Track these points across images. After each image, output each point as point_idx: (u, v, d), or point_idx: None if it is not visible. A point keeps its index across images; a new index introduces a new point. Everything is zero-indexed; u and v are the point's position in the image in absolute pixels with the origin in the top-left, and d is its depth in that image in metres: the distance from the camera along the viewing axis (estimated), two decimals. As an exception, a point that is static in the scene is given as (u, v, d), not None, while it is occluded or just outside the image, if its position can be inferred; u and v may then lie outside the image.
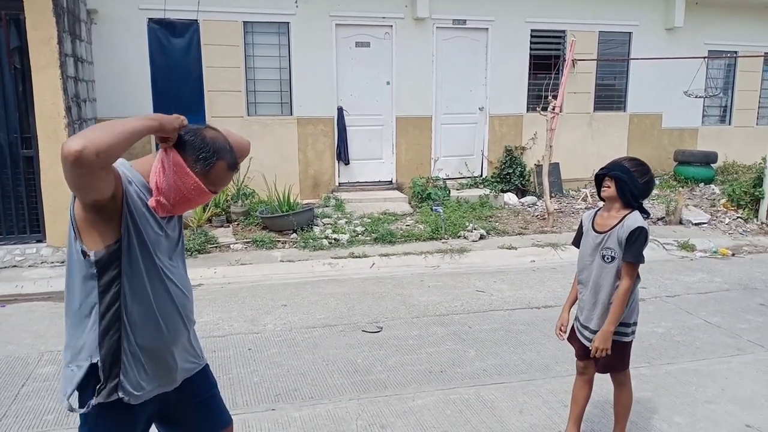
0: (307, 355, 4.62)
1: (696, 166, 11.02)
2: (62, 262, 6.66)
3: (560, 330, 3.29)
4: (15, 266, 6.57)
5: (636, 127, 11.34)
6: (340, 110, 9.65)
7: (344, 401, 3.93)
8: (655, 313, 5.56)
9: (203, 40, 8.93)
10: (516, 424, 3.67)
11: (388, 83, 9.88)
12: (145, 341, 2.01)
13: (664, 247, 7.70)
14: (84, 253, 1.91)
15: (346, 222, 8.35)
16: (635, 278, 3.05)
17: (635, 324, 3.17)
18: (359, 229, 8.00)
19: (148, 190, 1.97)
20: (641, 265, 3.03)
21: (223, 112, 9.11)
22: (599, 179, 3.11)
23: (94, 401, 1.98)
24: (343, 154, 9.74)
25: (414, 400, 3.96)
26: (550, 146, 8.58)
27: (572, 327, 3.34)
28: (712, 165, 11.14)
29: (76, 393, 1.99)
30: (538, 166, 10.01)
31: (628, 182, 2.99)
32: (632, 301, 3.11)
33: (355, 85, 9.73)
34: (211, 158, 1.95)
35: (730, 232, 8.45)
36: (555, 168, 10.15)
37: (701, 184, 10.86)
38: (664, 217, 8.90)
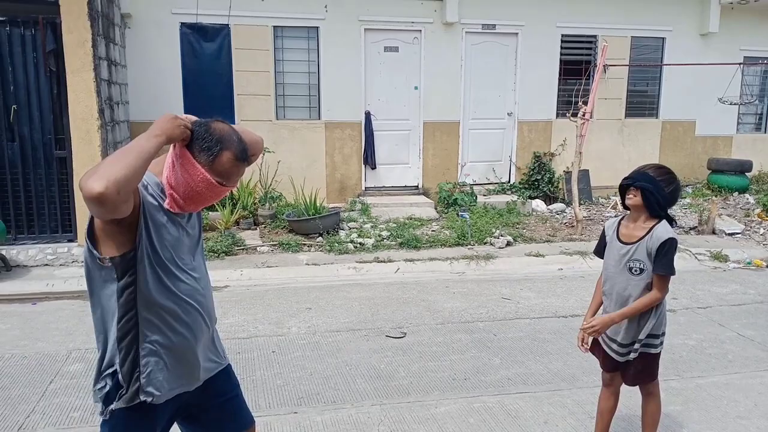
0: (330, 359, 4.62)
1: (730, 175, 10.77)
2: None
3: (582, 342, 3.19)
4: (47, 265, 6.70)
5: (668, 134, 11.13)
6: (368, 115, 9.66)
7: (366, 406, 3.91)
8: (687, 324, 5.43)
9: (234, 45, 9.03)
10: (540, 434, 3.61)
11: (416, 88, 9.86)
12: (166, 340, 2.02)
13: (696, 258, 7.53)
14: (101, 260, 1.91)
15: (372, 226, 8.35)
16: (664, 294, 2.98)
17: (663, 335, 3.10)
18: (384, 233, 7.99)
19: (162, 191, 1.97)
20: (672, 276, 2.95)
21: (253, 116, 9.19)
22: (623, 189, 3.03)
23: (114, 406, 2.00)
24: (369, 159, 9.75)
25: (437, 407, 3.92)
26: (580, 153, 8.46)
27: (594, 339, 3.24)
28: (746, 174, 10.87)
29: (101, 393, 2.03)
30: (567, 173, 9.88)
31: (654, 192, 2.90)
32: (660, 312, 3.04)
33: (383, 90, 9.74)
34: (214, 148, 1.91)
35: (764, 243, 8.23)
36: (584, 175, 10.02)
37: (735, 194, 10.60)
38: (696, 227, 8.71)
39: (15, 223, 6.80)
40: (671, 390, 4.18)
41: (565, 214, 9.54)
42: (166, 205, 1.96)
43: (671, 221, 3.01)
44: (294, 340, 4.98)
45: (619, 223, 3.12)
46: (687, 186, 11.17)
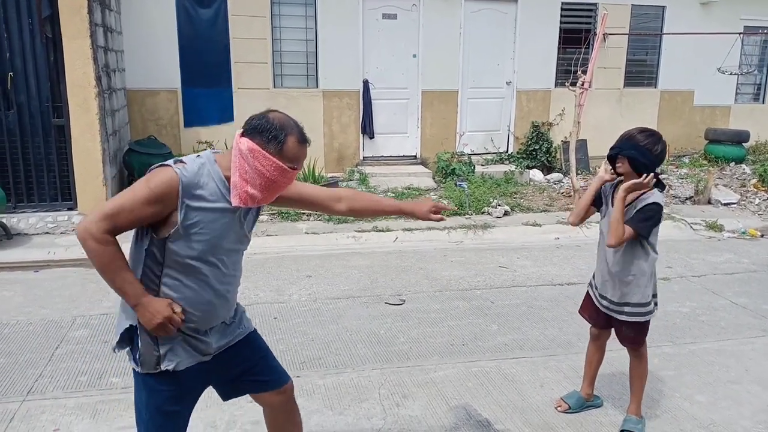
0: (331, 325, 4.70)
1: (727, 145, 10.79)
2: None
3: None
4: (47, 233, 6.73)
5: (667, 104, 11.12)
6: (366, 83, 9.62)
7: (367, 371, 4.00)
8: (681, 292, 5.53)
9: (230, 11, 8.92)
10: (537, 398, 3.71)
11: (414, 56, 9.80)
12: (187, 317, 2.16)
13: (691, 227, 7.60)
14: (147, 231, 2.08)
15: (371, 195, 8.37)
16: (646, 248, 3.11)
17: (655, 296, 3.21)
18: (383, 202, 8.01)
19: (226, 188, 2.09)
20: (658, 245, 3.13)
21: (250, 83, 9.14)
22: (612, 159, 3.13)
23: (140, 369, 2.16)
24: (367, 128, 9.73)
25: (436, 371, 4.01)
26: (578, 122, 8.46)
27: (586, 296, 3.48)
28: (743, 144, 10.90)
29: (123, 346, 2.22)
30: (565, 143, 9.90)
31: (639, 158, 3.00)
32: (650, 276, 3.16)
33: (381, 58, 9.67)
34: (280, 135, 2.02)
35: (759, 213, 8.31)
36: (582, 145, 10.03)
37: (732, 164, 10.65)
38: (692, 197, 8.77)
39: (15, 192, 6.80)
40: (664, 356, 4.28)
41: (562, 183, 9.58)
42: (236, 202, 2.07)
43: (660, 185, 3.10)
44: (295, 307, 5.05)
45: (614, 188, 3.20)
46: (684, 156, 11.20)
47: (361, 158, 9.87)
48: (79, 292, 5.32)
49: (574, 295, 5.40)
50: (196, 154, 2.13)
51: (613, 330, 3.38)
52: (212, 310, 2.22)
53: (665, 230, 7.47)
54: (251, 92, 9.15)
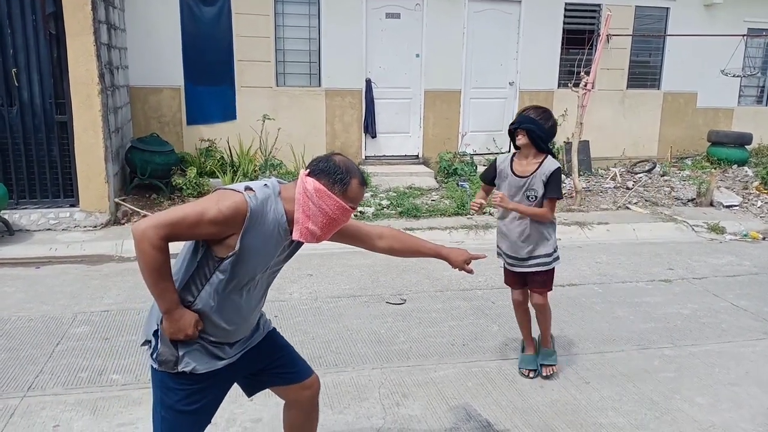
0: (331, 324, 4.70)
1: (730, 148, 10.78)
2: (94, 227, 6.83)
3: (474, 205, 3.79)
4: (49, 229, 6.75)
5: (670, 106, 11.11)
6: (369, 82, 9.62)
7: (367, 370, 4.00)
8: (682, 294, 5.52)
9: (234, 9, 8.93)
10: (537, 398, 3.71)
11: (417, 56, 9.80)
12: (210, 332, 2.23)
13: (693, 229, 7.60)
14: (203, 244, 2.15)
15: (372, 195, 8.38)
16: (553, 215, 3.72)
17: (556, 250, 3.81)
18: (384, 202, 8.03)
19: (285, 220, 2.18)
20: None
21: (253, 82, 9.14)
22: (512, 133, 3.68)
23: (158, 366, 2.21)
24: (370, 127, 9.73)
25: (436, 371, 4.01)
26: (581, 123, 8.46)
27: (504, 270, 3.98)
28: (746, 147, 10.89)
29: (152, 344, 2.24)
30: (568, 144, 9.89)
31: (536, 130, 3.56)
32: (552, 236, 3.78)
33: (384, 57, 9.67)
34: (345, 178, 2.15)
35: (762, 215, 8.29)
36: (584, 146, 10.02)
37: (734, 166, 10.64)
38: (694, 199, 8.75)
39: (17, 188, 6.81)
40: (665, 357, 4.27)
41: (564, 184, 9.57)
42: (296, 236, 2.17)
43: (554, 155, 3.75)
44: (296, 306, 5.06)
45: (512, 161, 3.76)
46: (686, 158, 11.19)
47: (363, 157, 9.87)
48: (80, 289, 5.33)
49: (575, 296, 5.40)
50: (264, 183, 2.19)
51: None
52: (238, 328, 2.30)
53: (667, 232, 7.50)
54: (254, 90, 9.16)
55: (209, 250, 2.13)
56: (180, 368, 2.19)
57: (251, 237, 2.10)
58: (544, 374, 3.92)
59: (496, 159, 3.89)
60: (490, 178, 3.89)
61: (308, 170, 2.17)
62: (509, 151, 10.54)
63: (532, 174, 3.63)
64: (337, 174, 2.14)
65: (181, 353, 2.18)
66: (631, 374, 4.03)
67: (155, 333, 2.21)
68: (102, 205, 6.88)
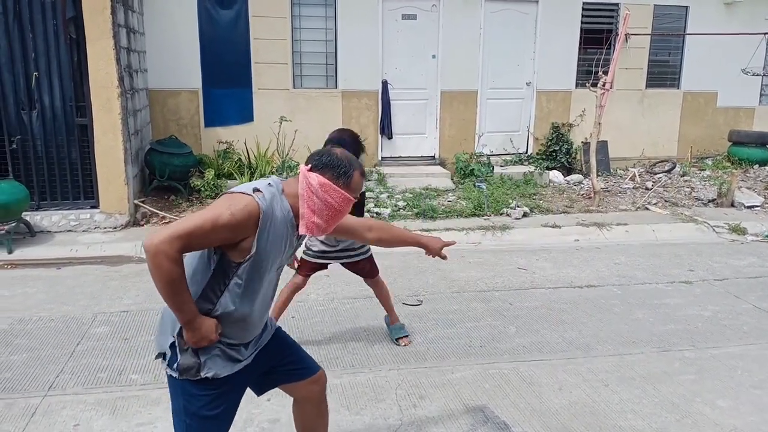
0: (348, 325, 4.71)
1: (751, 147, 10.63)
2: (114, 228, 6.90)
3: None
4: (69, 230, 6.83)
5: (689, 105, 10.97)
6: (385, 84, 9.62)
7: (384, 371, 4.00)
8: (703, 296, 5.45)
9: (251, 12, 8.98)
10: (555, 401, 3.68)
11: (433, 57, 9.78)
12: (229, 335, 2.24)
13: (714, 230, 7.49)
14: (216, 251, 2.14)
15: (388, 196, 8.38)
16: None
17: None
18: (401, 203, 8.02)
19: (291, 216, 2.21)
20: None
21: (270, 84, 9.19)
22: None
23: (179, 376, 2.21)
24: (386, 129, 9.73)
25: (453, 372, 4.00)
26: (599, 123, 8.38)
27: (306, 263, 4.24)
28: (768, 146, 10.73)
29: (168, 356, 2.24)
30: (586, 144, 9.81)
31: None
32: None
33: (401, 59, 9.67)
34: (349, 170, 2.20)
35: (784, 216, 8.16)
36: (603, 146, 9.94)
37: (756, 166, 10.48)
38: (715, 199, 8.63)
39: (38, 190, 6.90)
40: (686, 360, 4.22)
41: (582, 185, 9.50)
42: (303, 231, 2.20)
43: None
44: (312, 306, 5.07)
45: None
46: (707, 158, 11.05)
47: (380, 159, 9.88)
48: (100, 290, 5.39)
49: (594, 298, 5.35)
50: (267, 182, 2.19)
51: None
52: (255, 326, 2.33)
53: (687, 233, 7.41)
54: (271, 93, 9.20)
55: (224, 257, 2.12)
56: (203, 374, 2.19)
57: (265, 238, 2.11)
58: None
59: None
60: None
61: (310, 165, 2.18)
62: (526, 152, 10.54)
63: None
64: (341, 167, 2.18)
65: (202, 360, 2.19)
66: (650, 376, 3.98)
67: (172, 345, 2.21)
68: (122, 207, 6.96)
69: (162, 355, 2.25)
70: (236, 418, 3.36)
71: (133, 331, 4.56)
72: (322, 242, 4.13)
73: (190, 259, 2.18)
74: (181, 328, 2.16)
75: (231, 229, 2.03)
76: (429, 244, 2.87)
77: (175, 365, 2.19)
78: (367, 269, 4.32)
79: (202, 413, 2.25)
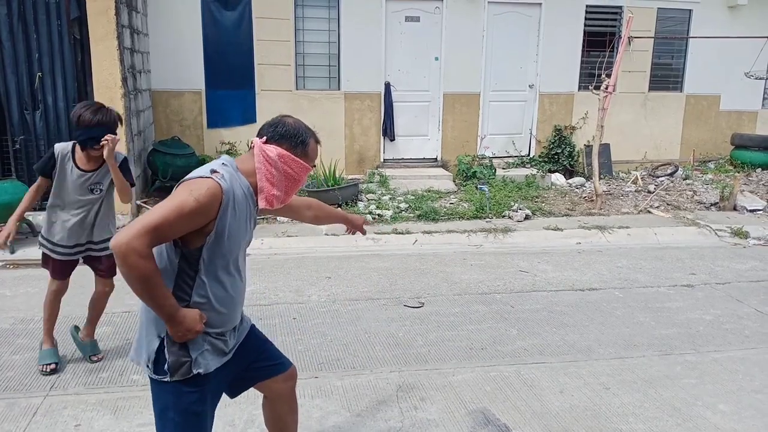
0: (349, 327, 4.71)
1: (754, 151, 10.62)
2: (116, 228, 6.89)
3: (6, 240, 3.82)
4: (72, 231, 6.83)
5: (692, 109, 10.97)
6: (388, 86, 9.63)
7: (385, 373, 4.00)
8: (704, 300, 5.44)
9: (255, 13, 9.00)
10: (556, 404, 3.67)
11: (436, 59, 9.79)
12: (212, 323, 2.21)
13: (716, 233, 7.48)
14: (176, 245, 2.11)
15: (390, 198, 8.39)
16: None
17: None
18: (403, 205, 8.03)
19: (249, 192, 2.20)
20: None
21: (273, 86, 9.20)
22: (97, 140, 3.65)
23: (168, 378, 2.16)
24: (388, 130, 9.74)
25: (454, 375, 4.00)
26: (602, 126, 8.38)
27: (50, 259, 3.95)
28: (771, 150, 10.71)
29: (151, 360, 2.18)
30: (588, 147, 9.81)
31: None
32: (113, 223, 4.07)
33: (403, 61, 9.68)
34: (306, 139, 2.23)
35: (787, 219, 8.15)
36: (605, 149, 9.94)
37: (759, 170, 10.47)
38: (717, 203, 8.62)
39: (41, 190, 6.91)
40: (687, 363, 4.21)
41: (584, 188, 9.50)
42: (263, 205, 2.21)
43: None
44: (314, 308, 5.07)
45: (74, 157, 3.79)
46: (709, 161, 11.04)
47: (382, 160, 9.88)
48: (103, 290, 5.39)
49: (596, 301, 5.35)
50: (221, 162, 2.17)
51: None
52: (235, 310, 2.30)
53: (690, 236, 7.40)
54: (274, 94, 9.22)
55: (187, 244, 2.09)
56: (195, 371, 2.16)
57: (227, 217, 2.08)
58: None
59: (56, 153, 3.84)
60: (48, 169, 3.89)
61: (265, 137, 2.19)
62: (529, 154, 10.54)
63: (98, 168, 3.84)
64: (298, 136, 2.21)
65: (193, 356, 2.16)
66: (652, 380, 3.98)
67: (158, 348, 2.16)
68: (123, 207, 6.97)
69: (147, 362, 2.19)
70: (237, 418, 3.39)
71: (134, 332, 4.54)
72: (68, 236, 3.88)
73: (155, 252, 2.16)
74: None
75: (197, 214, 2.00)
76: (352, 221, 3.02)
77: (165, 366, 2.15)
78: (111, 266, 4.01)
79: (192, 409, 2.21)
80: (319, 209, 2.85)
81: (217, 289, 2.18)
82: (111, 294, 4.12)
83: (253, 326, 2.56)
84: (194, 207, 1.99)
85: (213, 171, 2.09)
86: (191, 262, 2.12)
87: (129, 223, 2.03)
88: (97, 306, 4.15)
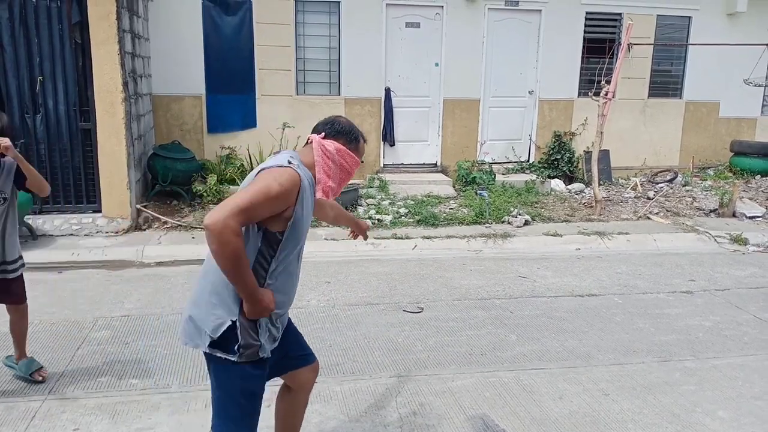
0: (349, 332, 4.70)
1: (753, 158, 10.63)
2: (116, 233, 6.91)
3: None
4: (72, 234, 6.84)
5: (692, 116, 10.99)
6: (388, 91, 9.65)
7: (384, 378, 3.99)
8: (704, 306, 5.44)
9: (255, 19, 9.02)
10: (555, 410, 3.67)
11: (436, 65, 9.81)
12: (277, 304, 2.33)
13: (715, 240, 7.49)
14: (259, 227, 2.24)
15: (390, 203, 8.39)
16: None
17: (21, 259, 3.75)
18: (402, 210, 8.03)
19: (311, 183, 2.34)
20: None
21: (273, 90, 9.22)
22: None
23: (237, 359, 2.26)
24: (388, 136, 9.75)
25: (453, 380, 3.99)
26: (601, 133, 8.40)
27: None
28: (770, 157, 10.73)
29: (220, 339, 2.26)
30: (588, 153, 9.83)
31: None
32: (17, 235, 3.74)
33: (404, 66, 9.70)
34: (358, 136, 2.47)
35: (786, 226, 8.16)
36: (605, 155, 9.95)
37: (758, 176, 10.48)
38: (716, 209, 8.63)
39: (41, 194, 6.92)
40: (686, 370, 4.21)
41: (584, 194, 9.51)
42: (320, 195, 2.38)
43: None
44: (313, 313, 5.07)
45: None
46: (709, 168, 11.05)
47: (382, 166, 9.89)
48: (102, 294, 5.40)
49: (595, 306, 5.35)
50: (289, 155, 2.31)
51: None
52: (293, 294, 2.47)
53: (689, 243, 7.40)
54: (274, 99, 9.24)
55: (269, 231, 2.23)
56: (261, 354, 2.30)
57: (301, 204, 2.25)
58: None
59: None
60: None
61: (323, 133, 2.39)
62: (528, 160, 10.56)
63: None
64: (352, 133, 2.44)
65: (262, 340, 2.30)
66: (651, 386, 3.98)
67: (230, 331, 2.23)
68: (124, 212, 6.98)
69: (214, 345, 2.25)
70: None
71: (133, 336, 4.56)
72: None
73: None
74: (240, 308, 2.23)
75: (280, 199, 2.15)
76: (360, 224, 3.19)
77: (236, 347, 2.25)
78: (19, 292, 3.72)
79: (257, 391, 2.37)
80: (338, 209, 3.02)
81: (285, 273, 2.34)
82: (25, 311, 3.80)
83: (289, 318, 2.67)
84: (279, 191, 2.14)
85: (289, 161, 2.25)
86: (272, 245, 2.26)
87: (218, 205, 2.15)
88: (17, 330, 3.82)
